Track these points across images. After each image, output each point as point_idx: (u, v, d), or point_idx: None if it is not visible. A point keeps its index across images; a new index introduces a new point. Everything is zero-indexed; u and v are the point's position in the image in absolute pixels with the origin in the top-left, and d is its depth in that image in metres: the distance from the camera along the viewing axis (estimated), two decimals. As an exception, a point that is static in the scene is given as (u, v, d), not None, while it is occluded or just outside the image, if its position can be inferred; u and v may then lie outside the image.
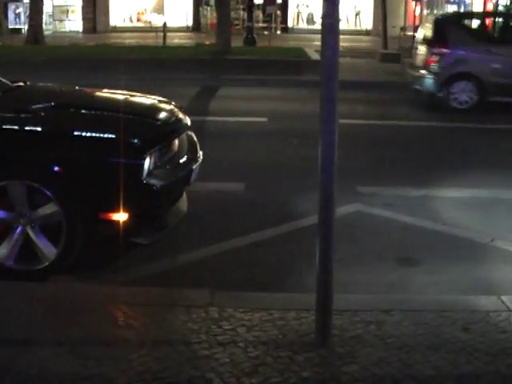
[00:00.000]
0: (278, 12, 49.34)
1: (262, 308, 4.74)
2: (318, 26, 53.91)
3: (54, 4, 45.43)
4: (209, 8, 52.08)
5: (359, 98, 15.92)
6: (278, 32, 48.08)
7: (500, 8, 31.51)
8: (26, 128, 5.84)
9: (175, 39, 32.97)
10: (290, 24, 53.59)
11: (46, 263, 5.59)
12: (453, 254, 6.35)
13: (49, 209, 5.54)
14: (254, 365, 3.97)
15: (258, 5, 45.92)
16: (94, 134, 5.78)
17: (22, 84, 7.27)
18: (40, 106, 6.39)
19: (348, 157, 8.32)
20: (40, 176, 5.53)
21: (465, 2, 74.73)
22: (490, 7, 66.15)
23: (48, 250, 5.60)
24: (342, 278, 5.04)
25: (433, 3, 62.03)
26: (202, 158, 6.70)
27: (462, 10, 74.91)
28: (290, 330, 4.43)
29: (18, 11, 40.90)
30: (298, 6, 54.64)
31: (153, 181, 5.64)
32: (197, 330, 4.38)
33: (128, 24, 48.85)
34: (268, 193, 8.12)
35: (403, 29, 43.95)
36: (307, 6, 54.68)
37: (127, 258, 6.03)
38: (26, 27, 30.08)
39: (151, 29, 39.77)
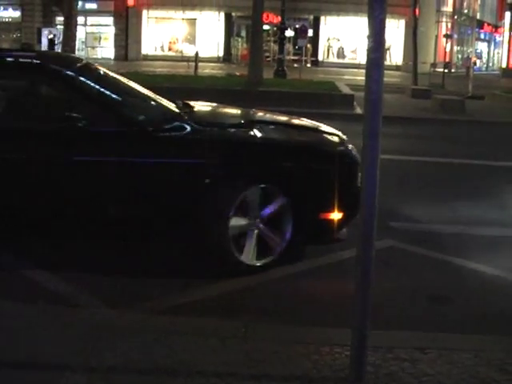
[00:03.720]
0: (309, 45, 49.60)
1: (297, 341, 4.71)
2: (347, 60, 54.30)
3: (87, 31, 46.03)
4: (239, 39, 52.52)
5: (391, 133, 15.90)
6: (308, 65, 48.38)
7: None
8: (266, 141, 6.79)
9: (206, 69, 33.20)
10: (320, 57, 53.89)
11: (273, 257, 6.40)
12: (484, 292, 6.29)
13: (279, 209, 6.33)
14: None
15: (289, 37, 46.22)
16: (318, 146, 6.94)
17: (191, 103, 7.77)
18: (243, 122, 7.29)
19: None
20: (278, 181, 6.33)
21: (495, 39, 75.02)
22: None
23: (276, 245, 6.39)
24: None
25: (463, 41, 62.19)
26: None
27: (492, 47, 75.06)
28: (325, 365, 4.39)
29: (50, 37, 41.34)
30: (328, 39, 54.96)
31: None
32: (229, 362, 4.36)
33: (159, 53, 49.30)
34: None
35: (433, 65, 44.02)
36: (338, 40, 54.98)
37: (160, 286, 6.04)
38: (59, 53, 30.49)
39: (182, 58, 40.19)
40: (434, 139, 16.13)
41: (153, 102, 7.28)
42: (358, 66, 46.91)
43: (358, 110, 19.42)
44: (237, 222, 6.26)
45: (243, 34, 52.58)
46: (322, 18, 54.08)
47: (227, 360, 4.40)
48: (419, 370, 4.37)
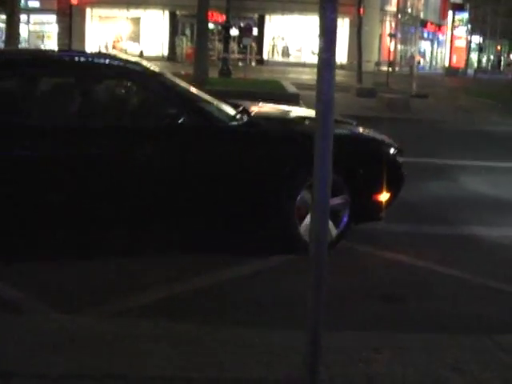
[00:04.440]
0: (254, 44, 49.64)
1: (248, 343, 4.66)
2: (292, 58, 54.44)
3: (30, 29, 45.40)
4: (184, 38, 52.29)
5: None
6: (253, 64, 48.40)
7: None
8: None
9: (151, 68, 32.90)
10: (265, 56, 53.99)
11: (333, 236, 6.98)
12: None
13: (340, 197, 6.99)
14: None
15: (234, 36, 46.15)
16: (380, 139, 7.87)
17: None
18: (299, 117, 8.29)
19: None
20: (340, 167, 6.37)
21: (438, 38, 76.00)
22: (459, 44, 67.02)
23: (332, 230, 6.87)
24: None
25: (407, 40, 62.84)
26: None
27: (435, 46, 76.09)
28: (277, 367, 4.35)
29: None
30: (273, 38, 55.07)
31: (404, 172, 7.60)
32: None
33: (103, 51, 48.82)
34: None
35: (378, 64, 44.45)
36: (282, 39, 55.17)
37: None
38: (2, 52, 29.99)
39: (127, 57, 39.79)
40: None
41: (214, 101, 7.57)
42: (302, 65, 47.15)
43: (304, 109, 19.41)
44: (303, 203, 6.88)
45: (188, 32, 52.37)
46: (267, 17, 54.20)
47: (180, 364, 4.34)
48: (373, 371, 4.36)
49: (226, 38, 32.12)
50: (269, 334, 4.89)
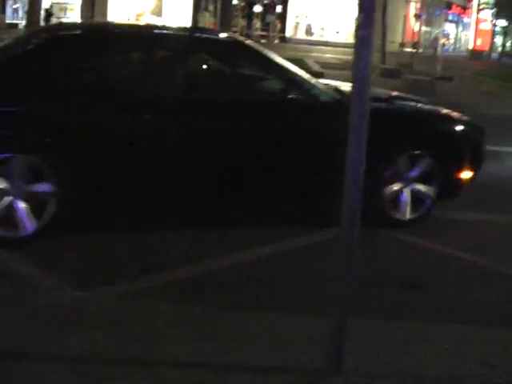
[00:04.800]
0: (277, 21, 49.31)
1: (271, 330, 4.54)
2: (315, 37, 54.08)
3: (53, 1, 45.28)
4: (207, 14, 52.01)
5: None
6: (276, 41, 48.04)
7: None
8: (418, 113, 8.09)
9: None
10: (288, 34, 53.62)
11: (422, 211, 7.34)
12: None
13: (428, 170, 7.24)
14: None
15: (258, 13, 45.86)
16: (456, 116, 8.00)
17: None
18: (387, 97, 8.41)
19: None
20: (428, 146, 7.24)
21: (463, 21, 75.29)
22: (484, 27, 66.36)
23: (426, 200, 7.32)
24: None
25: (431, 21, 62.27)
26: None
27: (460, 28, 75.38)
28: (302, 355, 4.21)
29: (15, 6, 40.72)
30: (297, 16, 54.68)
31: (484, 150, 7.81)
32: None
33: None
34: None
35: (402, 44, 44.05)
36: (306, 17, 54.77)
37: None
38: (24, 23, 29.86)
39: (149, 31, 39.61)
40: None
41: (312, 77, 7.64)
42: (325, 44, 46.80)
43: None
44: (392, 183, 7.14)
45: (211, 8, 52.10)
46: (291, -5, 53.78)
47: (202, 348, 4.21)
48: (400, 361, 4.22)
49: (250, 15, 31.94)
50: (293, 320, 4.77)
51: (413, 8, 57.67)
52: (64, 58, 6.63)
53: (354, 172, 3.80)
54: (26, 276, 5.45)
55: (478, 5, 69.12)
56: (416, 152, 7.21)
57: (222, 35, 8.15)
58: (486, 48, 64.90)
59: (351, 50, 3.77)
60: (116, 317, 4.66)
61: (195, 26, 13.17)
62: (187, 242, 6.44)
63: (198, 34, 8.01)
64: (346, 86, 8.21)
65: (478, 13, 69.46)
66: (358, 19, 3.71)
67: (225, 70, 7.57)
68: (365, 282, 5.36)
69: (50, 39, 7.07)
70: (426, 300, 5.60)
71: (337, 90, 7.53)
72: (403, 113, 7.94)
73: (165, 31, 7.73)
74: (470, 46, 68.89)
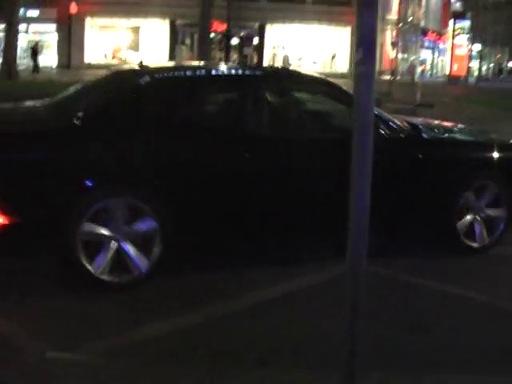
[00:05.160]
0: (254, 53, 49.35)
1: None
2: (293, 67, 54.03)
3: (29, 38, 45.11)
4: (184, 47, 52.01)
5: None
6: (254, 73, 47.86)
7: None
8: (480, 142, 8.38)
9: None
10: (265, 65, 53.59)
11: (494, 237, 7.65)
12: None
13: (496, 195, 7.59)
14: None
15: (235, 45, 45.85)
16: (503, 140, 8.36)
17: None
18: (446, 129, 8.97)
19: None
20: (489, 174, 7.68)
21: (439, 47, 75.77)
22: (460, 52, 66.88)
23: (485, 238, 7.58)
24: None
25: (407, 48, 62.52)
26: None
27: (436, 54, 75.86)
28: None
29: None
30: (274, 47, 54.72)
31: None
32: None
33: (103, 61, 48.41)
34: None
35: (379, 73, 43.99)
36: (283, 48, 54.79)
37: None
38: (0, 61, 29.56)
39: (127, 66, 39.46)
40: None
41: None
42: (303, 74, 46.62)
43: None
44: (465, 215, 7.46)
45: (188, 41, 52.06)
46: (268, 26, 53.82)
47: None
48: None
49: (227, 47, 31.79)
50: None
51: (389, 36, 57.89)
52: (168, 101, 6.63)
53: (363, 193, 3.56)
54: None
55: (453, 30, 69.52)
56: (483, 183, 7.52)
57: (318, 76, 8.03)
58: (463, 73, 65.06)
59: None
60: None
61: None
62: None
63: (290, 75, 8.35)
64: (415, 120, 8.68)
65: (453, 38, 69.83)
66: (357, 53, 3.45)
67: (324, 108, 7.66)
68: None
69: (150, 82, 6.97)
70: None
71: (409, 123, 7.73)
72: (464, 147, 8.12)
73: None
74: (447, 72, 69.15)
